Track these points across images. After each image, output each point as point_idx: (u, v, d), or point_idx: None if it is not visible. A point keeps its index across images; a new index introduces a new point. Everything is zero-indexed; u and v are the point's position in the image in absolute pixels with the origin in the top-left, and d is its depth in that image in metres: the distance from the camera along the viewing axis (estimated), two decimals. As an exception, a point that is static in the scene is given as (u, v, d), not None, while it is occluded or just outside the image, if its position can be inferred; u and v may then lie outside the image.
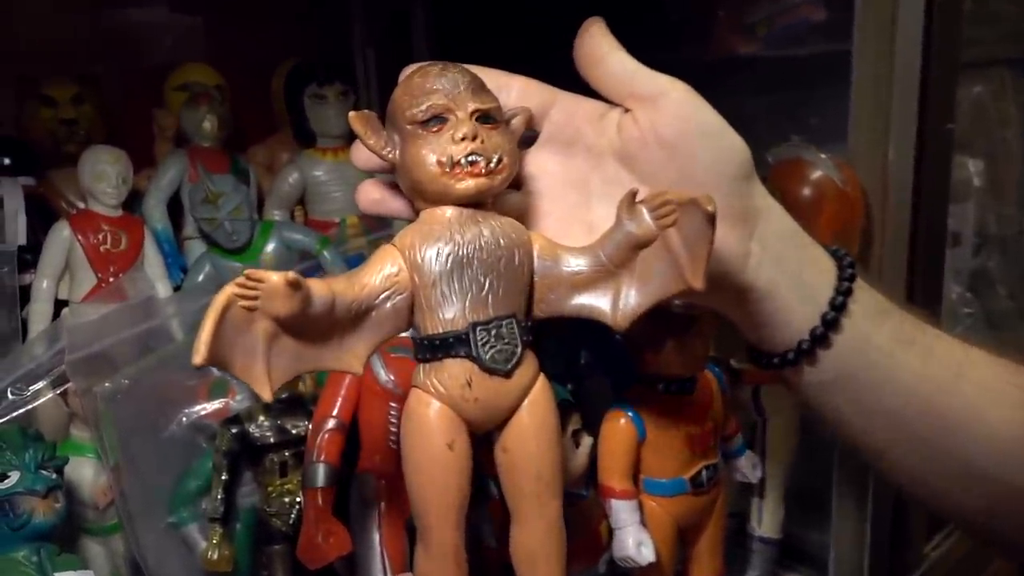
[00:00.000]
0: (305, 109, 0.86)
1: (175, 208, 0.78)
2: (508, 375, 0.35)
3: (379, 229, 0.77)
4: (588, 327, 0.63)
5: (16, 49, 0.81)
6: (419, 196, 0.36)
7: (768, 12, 0.74)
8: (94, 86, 0.81)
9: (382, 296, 0.34)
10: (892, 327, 0.40)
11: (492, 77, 0.37)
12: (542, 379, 0.36)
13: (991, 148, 0.93)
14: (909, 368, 0.39)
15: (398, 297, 0.34)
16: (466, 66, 0.36)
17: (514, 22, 0.89)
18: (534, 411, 0.36)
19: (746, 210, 0.38)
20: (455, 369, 0.34)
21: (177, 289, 0.73)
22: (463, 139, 0.34)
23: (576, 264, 0.36)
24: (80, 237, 0.68)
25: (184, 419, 0.56)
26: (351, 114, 0.36)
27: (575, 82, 0.39)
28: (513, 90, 0.38)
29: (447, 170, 0.34)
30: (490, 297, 0.34)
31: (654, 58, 0.38)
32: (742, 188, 0.38)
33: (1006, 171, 0.96)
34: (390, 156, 0.36)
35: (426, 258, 0.34)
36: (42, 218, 0.71)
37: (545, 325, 0.38)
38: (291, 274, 0.31)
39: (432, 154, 0.34)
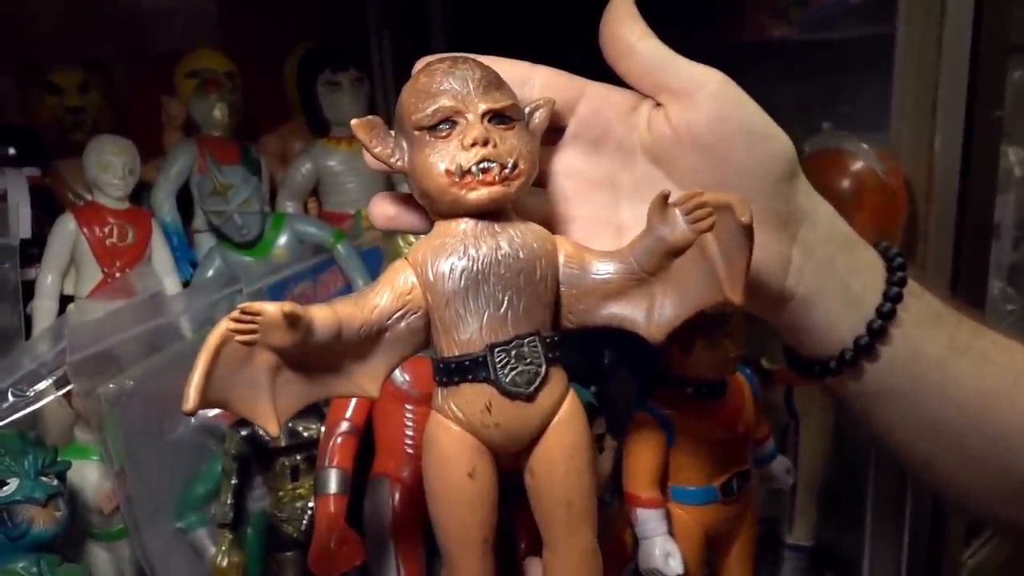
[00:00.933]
0: (318, 96, 0.84)
1: (185, 200, 0.76)
2: (531, 398, 0.32)
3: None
4: (612, 324, 0.62)
5: (23, 34, 0.79)
6: (431, 207, 0.33)
7: (803, -7, 0.71)
8: (101, 73, 0.79)
9: (395, 316, 0.32)
10: (946, 334, 0.37)
11: (512, 69, 0.34)
12: (571, 398, 0.34)
13: (1033, 136, 0.90)
14: (962, 379, 0.37)
15: (412, 316, 0.32)
16: (481, 59, 0.33)
17: (535, 1, 0.87)
18: (562, 434, 0.33)
19: (788, 214, 0.35)
20: (473, 394, 0.32)
21: (186, 284, 0.71)
22: (473, 144, 0.31)
23: (605, 271, 0.33)
24: (86, 230, 0.66)
25: (192, 421, 0.55)
26: (354, 122, 0.33)
27: (602, 66, 0.36)
28: (535, 82, 0.35)
29: (457, 179, 0.31)
30: (509, 314, 0.32)
31: (682, 41, 0.35)
32: (784, 191, 0.35)
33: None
34: (398, 164, 0.33)
35: (438, 275, 0.31)
36: (48, 210, 0.69)
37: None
38: (288, 306, 0.29)
39: (440, 162, 0.31)
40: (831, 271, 0.36)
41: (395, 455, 0.50)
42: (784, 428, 0.63)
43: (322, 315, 0.30)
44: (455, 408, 0.32)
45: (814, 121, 0.69)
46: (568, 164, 0.37)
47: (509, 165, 0.31)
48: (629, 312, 0.33)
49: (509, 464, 0.34)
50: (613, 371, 0.62)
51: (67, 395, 0.53)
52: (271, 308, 0.29)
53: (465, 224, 0.32)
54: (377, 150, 0.33)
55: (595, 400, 0.53)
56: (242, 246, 0.71)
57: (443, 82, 0.31)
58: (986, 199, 0.57)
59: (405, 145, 0.33)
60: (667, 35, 0.35)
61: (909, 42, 0.52)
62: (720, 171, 0.34)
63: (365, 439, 0.51)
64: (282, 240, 0.72)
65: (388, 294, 0.32)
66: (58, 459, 0.47)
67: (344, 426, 0.50)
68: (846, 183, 0.53)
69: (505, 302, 0.31)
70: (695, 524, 0.50)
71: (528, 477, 0.34)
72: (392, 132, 0.33)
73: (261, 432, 0.52)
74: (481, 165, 0.31)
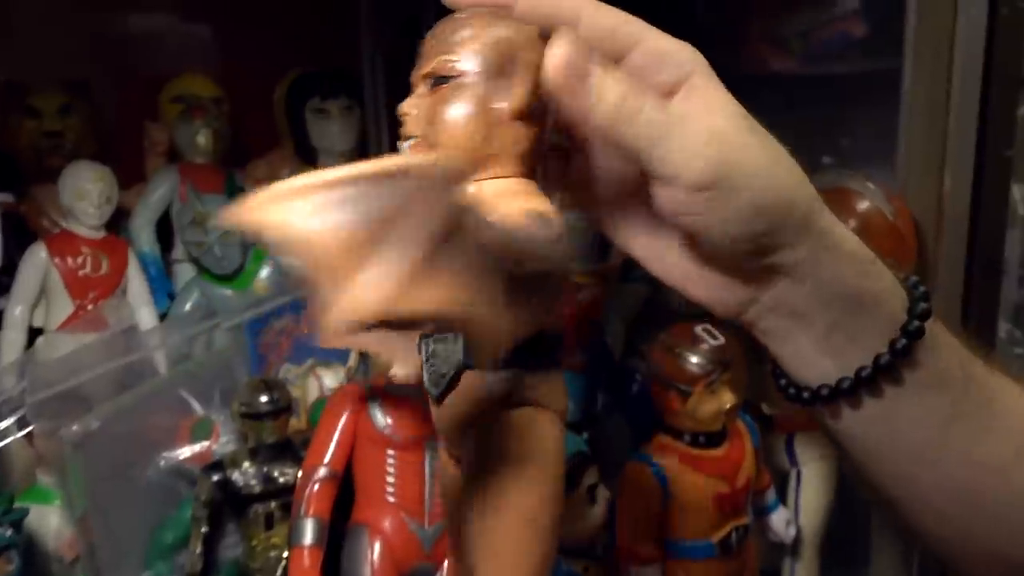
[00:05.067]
0: (307, 124, 0.82)
1: (165, 229, 0.74)
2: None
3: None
4: (604, 366, 0.60)
5: (5, 54, 0.77)
6: None
7: (805, 26, 0.70)
8: (84, 96, 0.77)
9: None
10: (940, 403, 0.34)
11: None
12: None
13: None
14: (956, 449, 0.34)
15: None
16: None
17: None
18: None
19: (757, 273, 0.32)
20: None
21: (163, 317, 0.69)
22: None
23: None
24: (57, 260, 0.64)
25: (162, 463, 0.54)
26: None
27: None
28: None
29: None
30: None
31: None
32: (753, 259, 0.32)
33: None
34: None
35: None
36: (21, 238, 0.67)
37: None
38: None
39: None
40: (808, 325, 0.33)
41: (375, 503, 0.49)
42: (785, 476, 0.60)
43: None
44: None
45: (815, 154, 0.68)
46: None
47: None
48: None
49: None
50: (607, 414, 0.60)
51: (29, 435, 0.51)
52: None
53: None
54: None
55: (587, 447, 0.50)
56: (222, 278, 0.69)
57: None
58: (996, 240, 0.55)
59: None
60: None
61: (918, 76, 0.51)
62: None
63: (344, 484, 0.50)
64: (264, 273, 0.71)
65: None
66: (14, 507, 0.45)
67: (322, 472, 0.49)
68: (852, 223, 0.51)
69: None
70: (692, 581, 0.48)
71: None
72: None
73: (234, 478, 0.51)
74: None
